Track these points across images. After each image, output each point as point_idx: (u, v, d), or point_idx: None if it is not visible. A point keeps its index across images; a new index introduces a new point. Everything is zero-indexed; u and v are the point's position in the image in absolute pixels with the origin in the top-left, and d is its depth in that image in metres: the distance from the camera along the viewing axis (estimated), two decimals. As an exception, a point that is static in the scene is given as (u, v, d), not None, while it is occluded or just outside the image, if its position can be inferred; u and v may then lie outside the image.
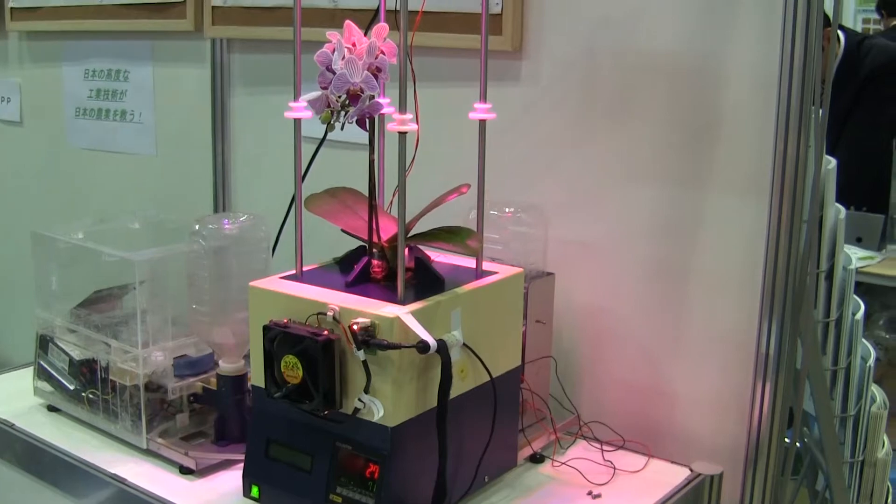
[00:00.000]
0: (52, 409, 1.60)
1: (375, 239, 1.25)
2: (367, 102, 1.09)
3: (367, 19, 1.54)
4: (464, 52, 1.62)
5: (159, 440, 1.45)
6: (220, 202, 2.03)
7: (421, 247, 1.28)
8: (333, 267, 1.33)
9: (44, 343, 1.59)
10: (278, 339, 1.19)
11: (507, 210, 1.48)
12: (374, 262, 1.26)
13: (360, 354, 1.14)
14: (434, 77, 1.64)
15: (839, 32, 1.31)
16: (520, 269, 1.33)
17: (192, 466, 1.39)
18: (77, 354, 1.53)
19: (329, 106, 1.10)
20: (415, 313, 1.15)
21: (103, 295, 1.57)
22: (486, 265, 1.32)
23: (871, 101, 3.05)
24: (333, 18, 1.72)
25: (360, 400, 1.17)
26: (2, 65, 2.42)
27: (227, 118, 2.01)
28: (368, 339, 1.14)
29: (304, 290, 1.22)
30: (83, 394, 1.53)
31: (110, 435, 1.50)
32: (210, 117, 2.02)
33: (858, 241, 2.95)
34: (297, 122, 1.23)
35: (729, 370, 1.46)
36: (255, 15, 1.88)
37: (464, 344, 1.22)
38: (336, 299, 1.19)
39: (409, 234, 1.23)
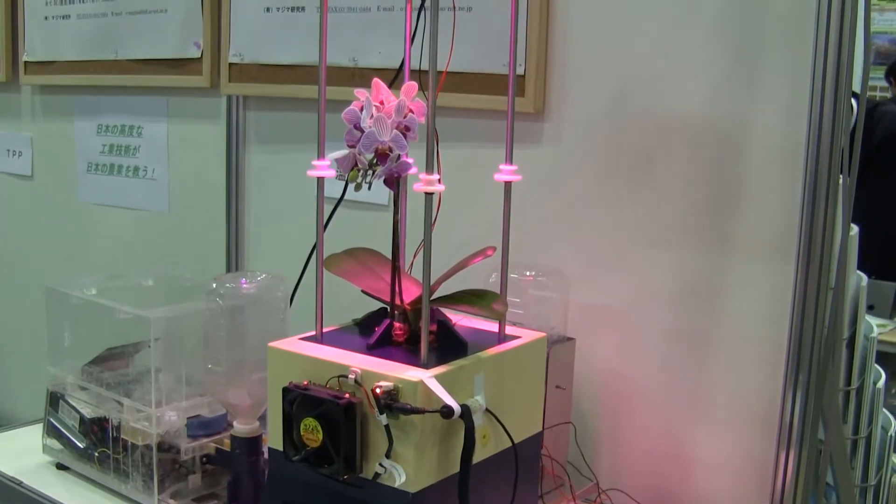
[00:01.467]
0: (60, 467, 1.57)
1: (398, 301, 1.24)
2: (396, 162, 1.08)
3: (388, 78, 1.53)
4: (484, 112, 1.62)
5: (171, 501, 1.42)
6: (233, 261, 2.02)
7: (443, 309, 1.27)
8: (353, 329, 1.31)
9: (54, 400, 1.56)
10: (298, 402, 1.16)
11: (528, 273, 1.46)
12: (396, 324, 1.24)
13: (383, 419, 1.11)
14: (454, 137, 1.64)
15: (852, 100, 1.31)
16: (542, 334, 1.31)
17: (203, 530, 1.37)
18: (88, 412, 1.50)
19: (356, 165, 1.09)
20: (438, 377, 1.13)
21: (116, 352, 1.55)
22: (507, 329, 1.30)
23: (882, 167, 3.06)
24: (353, 77, 1.72)
25: (380, 465, 1.14)
26: (14, 118, 2.42)
27: (241, 175, 2.01)
28: (391, 402, 1.11)
29: (324, 352, 1.20)
30: (93, 452, 1.50)
31: (120, 495, 1.47)
32: (224, 174, 2.01)
33: (870, 309, 2.93)
34: (321, 180, 1.22)
35: (750, 437, 1.44)
36: (272, 72, 1.88)
37: (486, 409, 1.20)
38: (358, 362, 1.17)
39: (434, 297, 1.22)
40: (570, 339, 1.49)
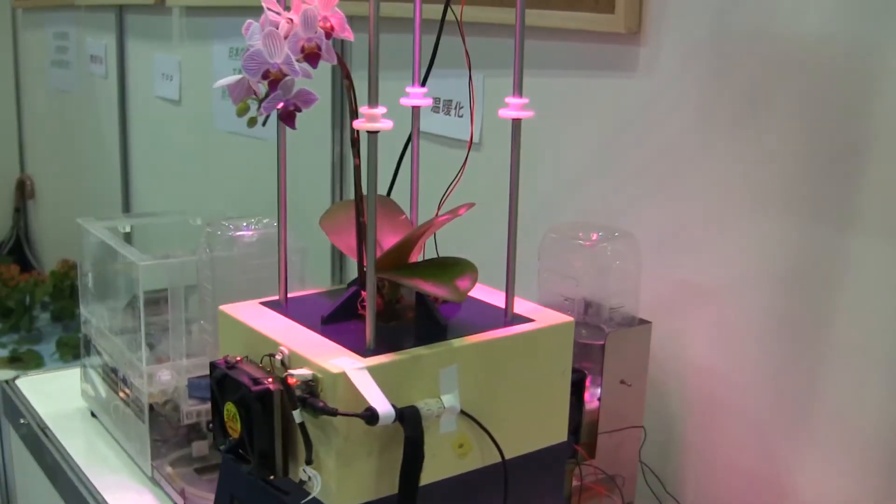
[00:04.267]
0: (94, 414, 1.45)
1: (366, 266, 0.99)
2: (291, 91, 0.82)
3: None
4: (571, 33, 1.31)
5: (168, 469, 1.26)
6: (338, 193, 1.83)
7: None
8: (340, 294, 1.08)
9: (87, 343, 1.45)
10: (223, 381, 0.95)
11: (589, 235, 1.16)
12: (364, 293, 1.00)
13: (297, 415, 0.88)
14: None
15: None
16: (567, 318, 1.01)
17: (182, 507, 1.19)
18: (109, 361, 1.37)
19: (254, 94, 0.85)
20: (377, 368, 0.88)
21: (133, 301, 1.40)
22: (528, 310, 1.02)
23: None
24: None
25: (304, 471, 0.91)
26: (166, 41, 2.34)
27: (346, 108, 1.80)
28: (306, 397, 0.88)
29: (264, 323, 0.98)
30: (110, 405, 1.37)
31: (129, 454, 1.33)
32: (329, 107, 1.82)
33: None
34: (416, 110, 1.05)
35: (866, 470, 1.07)
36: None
37: (462, 411, 0.93)
38: (295, 338, 0.94)
39: (397, 267, 0.95)
40: (643, 321, 1.18)
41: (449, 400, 0.92)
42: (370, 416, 0.85)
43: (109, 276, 1.38)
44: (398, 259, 0.95)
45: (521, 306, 1.03)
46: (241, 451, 0.94)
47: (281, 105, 0.83)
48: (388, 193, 1.13)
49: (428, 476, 0.93)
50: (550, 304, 1.17)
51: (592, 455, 1.16)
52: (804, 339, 1.10)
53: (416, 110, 1.08)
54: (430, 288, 0.91)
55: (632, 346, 1.16)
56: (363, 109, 0.86)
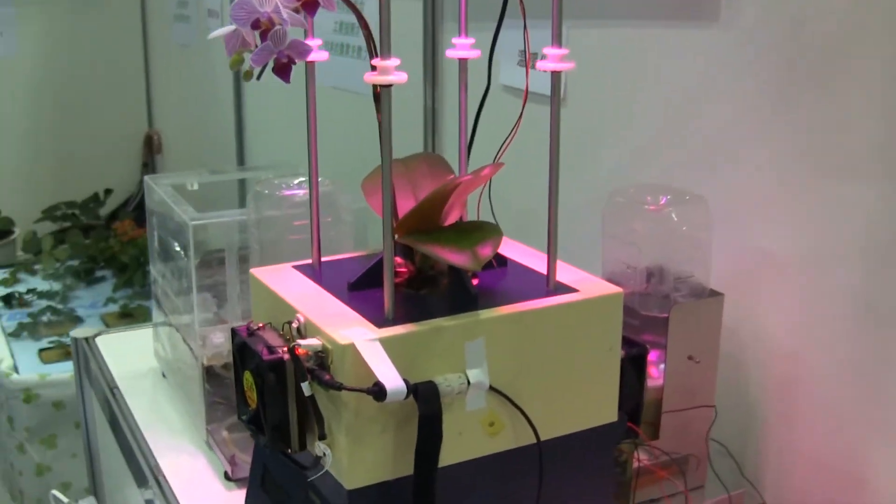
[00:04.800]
0: (165, 376, 1.44)
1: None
2: (283, 41, 0.76)
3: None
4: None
5: (224, 433, 1.23)
6: (430, 144, 1.76)
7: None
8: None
9: (157, 303, 1.43)
10: (243, 349, 0.91)
11: (657, 199, 1.06)
12: (397, 259, 0.93)
13: (306, 388, 0.83)
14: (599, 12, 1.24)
15: None
16: (616, 290, 0.92)
17: (230, 474, 1.17)
18: (172, 321, 1.35)
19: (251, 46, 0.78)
20: (392, 340, 0.81)
21: (207, 259, 1.37)
22: (574, 279, 0.94)
23: None
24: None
25: (318, 446, 0.86)
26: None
27: (438, 58, 1.73)
28: (314, 369, 0.82)
29: (293, 288, 0.93)
30: (176, 365, 1.35)
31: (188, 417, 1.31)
32: (421, 57, 1.75)
33: None
34: (462, 63, 0.99)
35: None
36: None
37: (491, 387, 0.86)
38: (313, 306, 0.88)
39: (420, 231, 0.88)
40: (715, 293, 1.07)
41: (476, 375, 0.85)
42: (378, 391, 0.79)
43: (172, 235, 1.36)
44: (421, 223, 0.88)
45: (569, 275, 0.95)
46: (260, 422, 0.90)
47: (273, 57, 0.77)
48: (469, 149, 1.06)
49: (454, 455, 0.87)
50: (613, 272, 1.09)
51: (655, 436, 1.08)
52: (894, 323, 0.98)
53: (462, 63, 1.00)
54: (447, 254, 0.83)
55: (701, 320, 1.06)
56: (375, 61, 0.80)
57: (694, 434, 1.10)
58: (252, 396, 0.89)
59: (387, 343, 0.81)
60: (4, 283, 2.64)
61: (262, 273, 0.97)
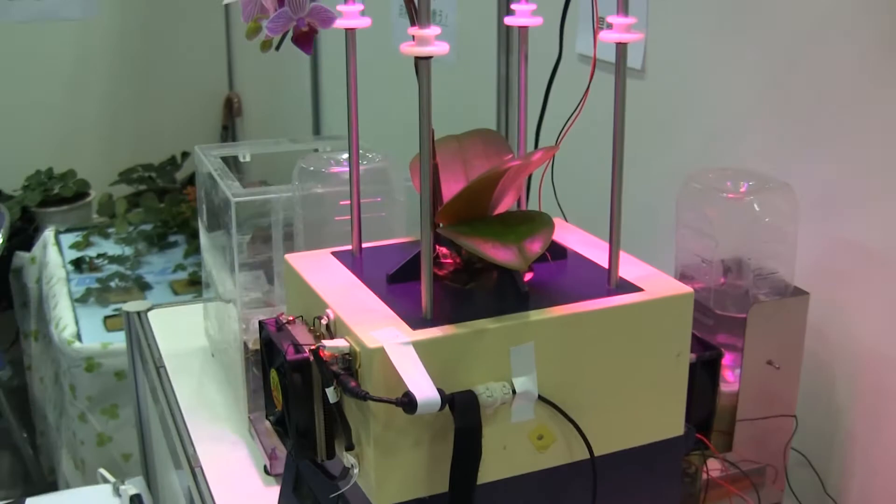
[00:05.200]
0: (214, 354, 1.38)
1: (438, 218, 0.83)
2: (303, 8, 0.67)
3: None
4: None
5: (267, 424, 1.16)
6: (503, 117, 1.66)
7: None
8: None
9: (208, 279, 1.37)
10: (270, 345, 0.83)
11: (737, 185, 0.95)
12: (442, 250, 0.84)
13: (331, 394, 0.74)
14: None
15: None
16: (686, 290, 0.82)
17: (268, 468, 1.10)
18: (222, 299, 1.29)
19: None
20: (427, 344, 0.73)
21: (259, 235, 1.30)
22: (643, 276, 0.84)
23: None
24: None
25: (346, 457, 0.78)
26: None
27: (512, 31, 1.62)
28: (340, 373, 0.74)
29: (327, 278, 0.85)
30: (223, 346, 1.29)
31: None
32: (495, 24, 1.64)
33: None
34: (522, 32, 0.90)
35: None
36: None
37: (540, 397, 0.77)
38: (345, 300, 0.80)
39: (464, 220, 0.79)
40: (800, 292, 0.96)
41: (523, 384, 0.76)
42: (407, 402, 0.70)
43: (217, 211, 1.29)
44: (467, 210, 0.78)
45: (635, 270, 0.85)
46: (281, 425, 0.82)
47: (293, 25, 0.68)
48: (539, 126, 0.97)
49: (498, 471, 0.78)
50: (687, 266, 0.98)
51: (728, 447, 0.97)
52: None
53: (522, 32, 0.90)
54: (489, 250, 0.74)
55: (783, 321, 0.95)
56: (412, 30, 0.70)
57: (772, 445, 0.99)
58: (278, 397, 0.81)
59: (421, 347, 0.73)
60: (77, 246, 2.62)
61: (296, 259, 0.89)
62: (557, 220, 0.95)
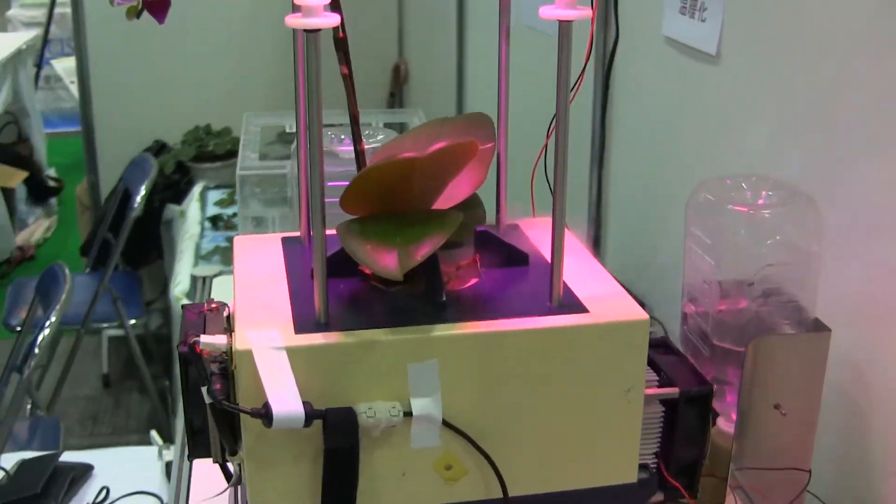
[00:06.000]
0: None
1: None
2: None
3: None
4: None
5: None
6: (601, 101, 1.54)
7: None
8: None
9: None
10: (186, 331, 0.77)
11: (744, 195, 0.82)
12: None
13: (206, 394, 0.68)
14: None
15: None
16: (641, 316, 0.71)
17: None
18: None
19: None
20: (304, 351, 0.65)
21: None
22: (600, 295, 0.73)
23: None
24: None
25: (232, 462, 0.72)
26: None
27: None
28: (214, 373, 0.68)
29: (254, 266, 0.78)
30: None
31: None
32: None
33: None
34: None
35: None
36: None
37: (445, 422, 0.68)
38: (252, 293, 0.73)
39: (364, 216, 0.70)
40: (821, 327, 0.82)
41: (422, 406, 0.68)
42: (264, 414, 0.63)
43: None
44: (371, 204, 0.70)
45: (596, 287, 0.74)
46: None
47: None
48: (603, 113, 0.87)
49: (397, 500, 0.70)
50: (693, 287, 0.86)
51: (721, 499, 0.84)
52: None
53: (503, 5, 0.79)
54: (369, 253, 0.65)
55: (794, 360, 0.81)
56: (299, 1, 0.62)
57: (778, 500, 0.86)
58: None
59: (299, 354, 0.65)
60: (221, 203, 2.66)
61: (242, 242, 0.83)
62: (538, 220, 0.85)
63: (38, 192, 3.78)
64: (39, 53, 4.08)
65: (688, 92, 1.22)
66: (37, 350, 1.70)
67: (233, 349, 0.67)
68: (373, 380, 0.67)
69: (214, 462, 0.74)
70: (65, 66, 4.09)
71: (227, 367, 0.68)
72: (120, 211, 2.53)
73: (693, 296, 0.85)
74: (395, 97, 3.56)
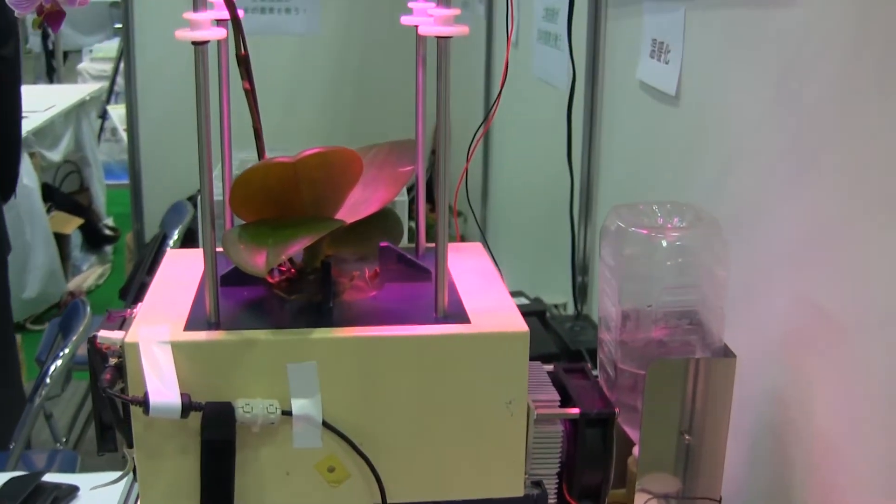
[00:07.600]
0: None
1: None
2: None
3: None
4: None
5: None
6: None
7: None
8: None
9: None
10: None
11: (654, 219, 0.84)
12: (281, 256, 0.79)
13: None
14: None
15: None
16: (521, 329, 0.72)
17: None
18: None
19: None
20: (189, 346, 0.69)
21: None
22: (487, 308, 0.75)
23: None
24: None
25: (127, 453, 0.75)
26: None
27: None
28: (108, 365, 0.72)
29: (176, 271, 0.83)
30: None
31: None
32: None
33: None
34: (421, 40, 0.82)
35: None
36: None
37: (325, 423, 0.71)
38: (161, 294, 0.78)
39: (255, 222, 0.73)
40: (727, 353, 0.83)
41: (302, 406, 0.71)
42: (141, 401, 0.67)
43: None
44: (260, 209, 0.73)
45: (488, 302, 0.77)
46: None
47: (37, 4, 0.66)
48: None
49: (282, 498, 0.73)
50: (605, 312, 0.87)
51: (628, 522, 0.85)
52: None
53: (420, 40, 0.83)
54: (240, 253, 0.69)
55: (699, 386, 0.82)
56: (186, 15, 0.67)
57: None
58: (102, 389, 0.80)
59: (183, 349, 0.69)
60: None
61: (173, 255, 0.88)
62: (465, 244, 0.88)
63: (94, 239, 3.90)
64: (104, 105, 4.23)
65: (652, 131, 1.25)
66: (48, 380, 1.76)
67: (122, 342, 0.71)
68: (254, 378, 0.70)
69: (121, 455, 0.77)
70: (119, 114, 4.23)
71: (122, 361, 0.72)
72: (157, 255, 2.62)
73: (606, 322, 0.86)
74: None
